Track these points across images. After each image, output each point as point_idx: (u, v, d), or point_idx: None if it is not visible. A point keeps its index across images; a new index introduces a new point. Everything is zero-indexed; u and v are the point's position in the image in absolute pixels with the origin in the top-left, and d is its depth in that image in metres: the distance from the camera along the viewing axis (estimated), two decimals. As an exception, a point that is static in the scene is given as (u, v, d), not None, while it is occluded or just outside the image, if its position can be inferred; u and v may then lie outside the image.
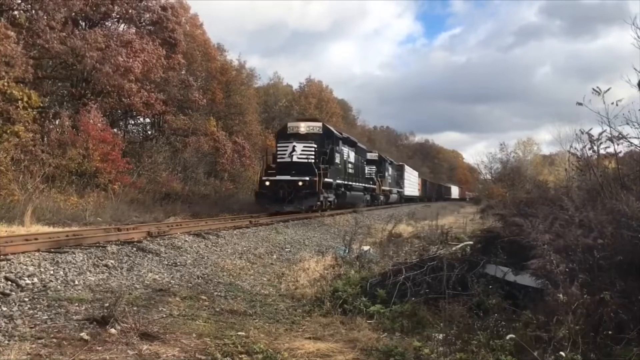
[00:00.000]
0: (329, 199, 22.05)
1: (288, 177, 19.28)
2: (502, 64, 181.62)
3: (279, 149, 20.94)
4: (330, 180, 20.98)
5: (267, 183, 19.38)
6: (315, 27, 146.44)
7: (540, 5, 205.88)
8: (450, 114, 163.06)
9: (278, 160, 20.60)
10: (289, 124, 22.42)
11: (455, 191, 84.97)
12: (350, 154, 25.81)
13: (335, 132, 23.06)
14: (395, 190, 41.87)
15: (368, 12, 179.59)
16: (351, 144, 26.72)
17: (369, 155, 33.99)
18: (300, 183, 18.95)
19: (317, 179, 19.09)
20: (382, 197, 35.51)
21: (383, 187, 35.38)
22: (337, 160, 22.50)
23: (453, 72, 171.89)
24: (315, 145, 20.40)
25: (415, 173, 57.33)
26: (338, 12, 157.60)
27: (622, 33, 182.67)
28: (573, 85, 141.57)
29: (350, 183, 25.14)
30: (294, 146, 20.18)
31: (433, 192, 67.16)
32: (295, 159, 20.08)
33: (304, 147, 20.24)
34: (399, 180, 44.52)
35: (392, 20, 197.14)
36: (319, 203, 20.31)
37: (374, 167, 34.09)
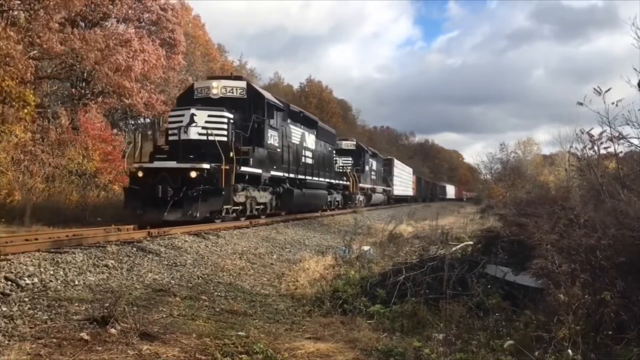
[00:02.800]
0: (260, 201, 15.09)
1: (173, 164, 12.38)
2: (498, 66, 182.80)
3: (170, 120, 13.99)
4: (258, 170, 14.10)
5: (141, 174, 12.42)
6: (315, 31, 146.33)
7: (530, 10, 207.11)
8: (447, 115, 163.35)
9: (169, 138, 13.86)
10: (196, 85, 15.30)
11: (450, 190, 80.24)
12: (306, 137, 18.83)
13: (270, 98, 15.43)
14: (380, 188, 35.28)
15: (367, 16, 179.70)
16: (309, 123, 19.42)
17: (344, 144, 27.92)
18: (192, 174, 11.97)
19: (225, 167, 12.24)
20: (360, 197, 29.01)
21: (362, 185, 28.53)
22: (274, 141, 15.30)
23: (449, 75, 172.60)
24: (231, 115, 13.43)
25: (409, 169, 50.74)
26: (337, 17, 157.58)
27: (613, 36, 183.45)
28: (567, 87, 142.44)
29: (303, 177, 17.97)
30: (193, 115, 12.88)
31: (428, 192, 63.42)
32: (192, 135, 12.85)
33: (210, 116, 13.07)
34: (386, 177, 38.33)
35: (390, 24, 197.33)
36: (230, 207, 13.09)
37: (350, 158, 27.76)
